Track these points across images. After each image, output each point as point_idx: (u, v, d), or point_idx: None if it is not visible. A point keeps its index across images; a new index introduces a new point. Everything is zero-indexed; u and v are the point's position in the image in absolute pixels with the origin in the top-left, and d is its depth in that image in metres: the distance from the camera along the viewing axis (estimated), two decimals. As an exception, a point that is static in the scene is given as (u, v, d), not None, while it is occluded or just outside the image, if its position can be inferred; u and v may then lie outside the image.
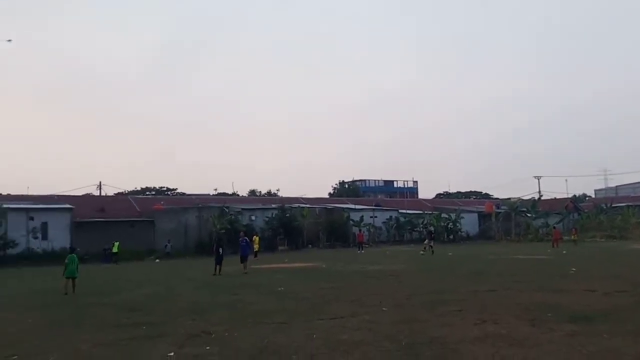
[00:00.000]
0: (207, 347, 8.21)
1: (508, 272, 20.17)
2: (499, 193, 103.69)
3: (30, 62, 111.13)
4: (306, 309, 12.07)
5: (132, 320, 11.21)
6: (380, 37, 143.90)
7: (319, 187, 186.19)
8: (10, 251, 41.40)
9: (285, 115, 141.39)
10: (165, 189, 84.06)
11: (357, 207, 63.82)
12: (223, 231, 45.05)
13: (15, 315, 12.75)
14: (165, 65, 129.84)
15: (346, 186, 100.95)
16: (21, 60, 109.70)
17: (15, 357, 8.07)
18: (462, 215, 65.09)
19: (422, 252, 34.50)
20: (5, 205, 42.61)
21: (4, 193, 53.09)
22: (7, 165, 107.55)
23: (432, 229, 53.90)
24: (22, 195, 51.81)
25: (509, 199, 71.88)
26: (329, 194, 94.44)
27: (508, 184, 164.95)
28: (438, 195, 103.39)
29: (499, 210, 66.18)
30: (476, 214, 69.52)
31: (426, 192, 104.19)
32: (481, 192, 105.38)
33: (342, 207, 62.67)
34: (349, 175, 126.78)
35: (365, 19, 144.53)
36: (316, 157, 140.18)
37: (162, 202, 56.86)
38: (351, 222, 58.04)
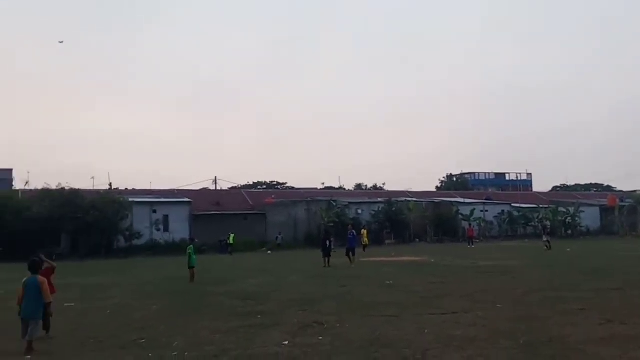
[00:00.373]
0: (320, 337, 8.35)
1: (635, 269, 18.72)
2: (623, 185, 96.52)
3: (155, 65, 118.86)
4: (416, 302, 11.93)
5: (247, 309, 11.66)
6: (488, 25, 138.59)
7: (425, 180, 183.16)
8: (135, 242, 44.61)
9: (390, 108, 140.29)
10: (275, 183, 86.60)
11: (466, 200, 62.05)
12: (331, 224, 45.63)
13: (141, 303, 13.68)
14: (275, 63, 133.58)
15: (454, 179, 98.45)
16: (153, 64, 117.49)
17: (144, 340, 8.68)
18: (581, 209, 61.35)
19: (545, 247, 32.84)
20: (131, 199, 45.96)
21: (130, 188, 57.23)
22: (133, 162, 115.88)
23: (547, 223, 51.24)
24: (146, 190, 55.61)
25: (635, 191, 66.63)
26: (436, 187, 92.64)
27: (633, 175, 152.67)
28: (555, 188, 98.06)
29: (623, 204, 61.61)
30: (597, 208, 65.13)
31: (541, 185, 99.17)
32: (603, 185, 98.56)
33: (451, 201, 61.24)
34: (457, 168, 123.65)
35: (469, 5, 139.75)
36: (422, 150, 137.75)
37: (273, 196, 58.68)
38: (460, 216, 56.57)
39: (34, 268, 8.51)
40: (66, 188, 43.78)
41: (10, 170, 55.03)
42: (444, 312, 10.47)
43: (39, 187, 44.99)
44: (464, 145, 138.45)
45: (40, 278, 8.43)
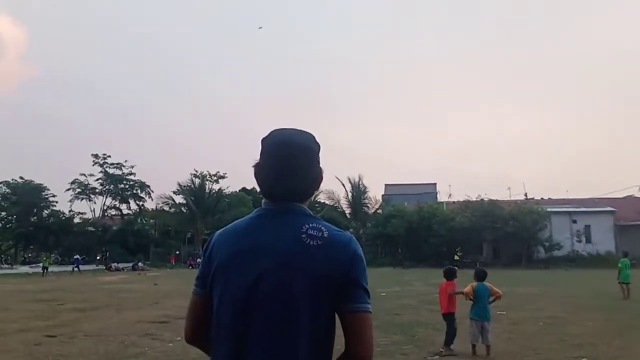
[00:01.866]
0: None
1: None
2: None
3: (568, 69, 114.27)
4: None
5: None
6: None
7: None
8: (555, 253, 43.56)
9: None
10: None
11: None
12: None
13: (574, 317, 13.13)
14: None
15: None
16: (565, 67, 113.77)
17: (585, 359, 8.32)
18: None
19: None
20: (548, 209, 45.17)
21: (546, 197, 56.14)
22: (548, 171, 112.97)
23: None
24: (563, 199, 53.62)
25: None
26: None
27: None
28: None
29: None
30: None
31: None
32: None
33: None
34: None
35: None
36: None
37: None
38: None
39: (482, 276, 9.26)
40: (485, 199, 46.19)
41: (435, 184, 60.87)
42: None
43: (460, 199, 48.80)
44: None
45: (487, 284, 9.11)
